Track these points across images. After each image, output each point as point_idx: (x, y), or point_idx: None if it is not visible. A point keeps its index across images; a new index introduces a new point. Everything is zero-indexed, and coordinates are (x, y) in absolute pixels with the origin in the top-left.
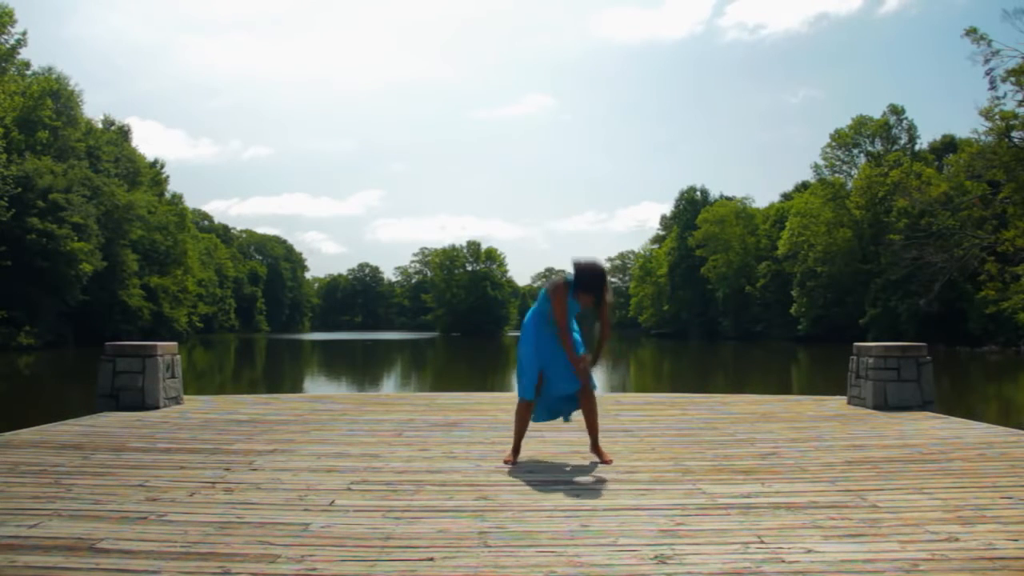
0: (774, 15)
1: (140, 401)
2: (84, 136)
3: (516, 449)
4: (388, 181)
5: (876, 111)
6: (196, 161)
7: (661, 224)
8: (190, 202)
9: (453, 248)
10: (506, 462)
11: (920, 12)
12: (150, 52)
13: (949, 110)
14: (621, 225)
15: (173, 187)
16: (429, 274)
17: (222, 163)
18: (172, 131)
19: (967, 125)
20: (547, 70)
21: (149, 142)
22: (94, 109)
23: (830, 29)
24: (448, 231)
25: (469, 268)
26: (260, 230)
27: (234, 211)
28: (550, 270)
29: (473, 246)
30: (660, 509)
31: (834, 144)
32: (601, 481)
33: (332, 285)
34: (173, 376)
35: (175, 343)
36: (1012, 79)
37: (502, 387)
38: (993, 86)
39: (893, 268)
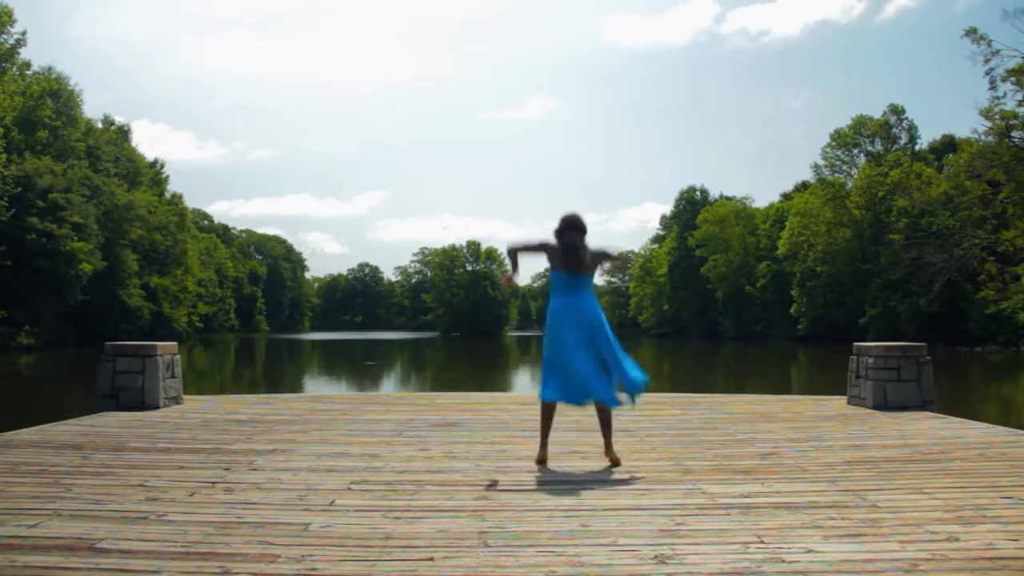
0: (776, 22)
1: (140, 401)
2: (84, 136)
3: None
4: (391, 182)
5: (877, 112)
6: (202, 163)
7: (661, 224)
8: (197, 203)
9: (453, 248)
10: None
11: (919, 17)
12: (152, 52)
13: (949, 110)
14: (622, 225)
15: (180, 189)
16: (429, 274)
17: (227, 164)
18: (180, 133)
19: (967, 125)
20: (550, 72)
21: (157, 143)
22: (97, 110)
23: (831, 35)
24: (451, 231)
25: (469, 268)
26: (264, 230)
27: (238, 212)
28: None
29: (473, 246)
30: (660, 509)
31: (834, 144)
32: (601, 481)
33: (332, 285)
34: (173, 376)
35: (175, 343)
36: (1012, 79)
37: (502, 387)
38: (993, 86)
39: (893, 268)
